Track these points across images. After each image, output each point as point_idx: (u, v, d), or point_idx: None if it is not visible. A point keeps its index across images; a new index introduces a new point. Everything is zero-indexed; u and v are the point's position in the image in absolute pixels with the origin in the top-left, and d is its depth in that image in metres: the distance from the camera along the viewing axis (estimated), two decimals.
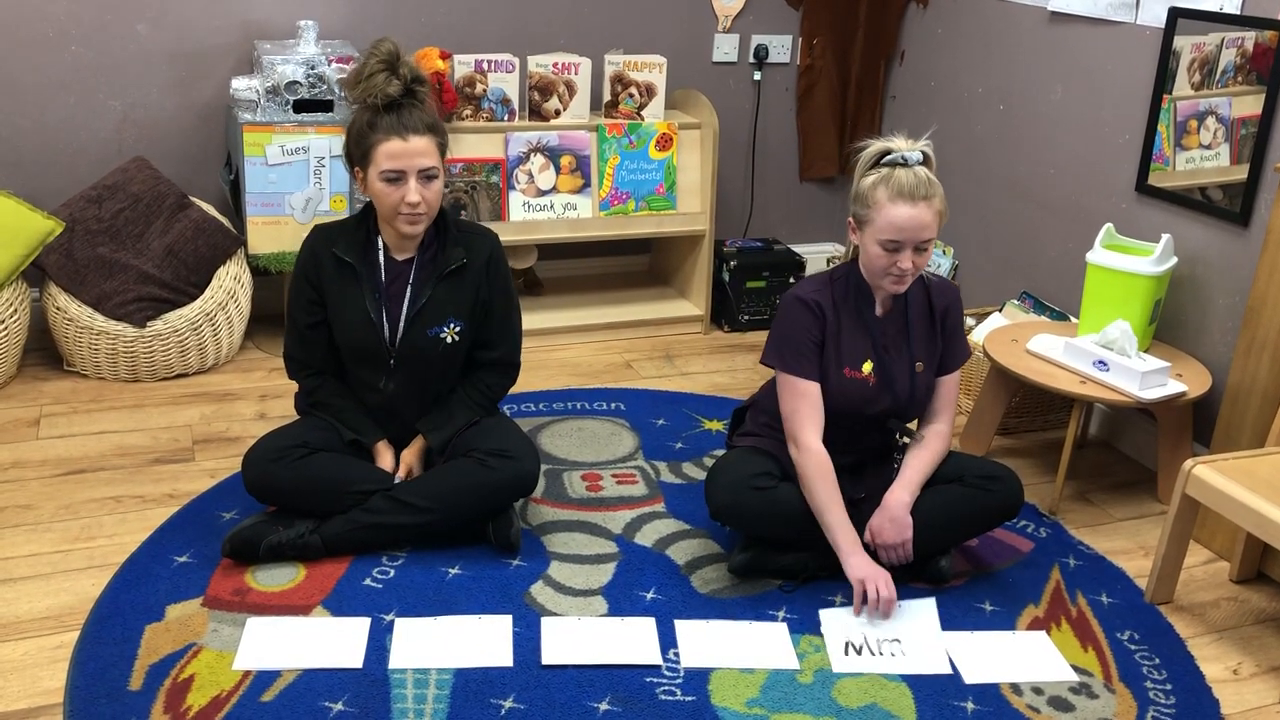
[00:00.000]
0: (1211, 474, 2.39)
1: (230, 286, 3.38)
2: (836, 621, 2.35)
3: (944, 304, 2.50)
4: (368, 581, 2.41)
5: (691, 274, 3.99)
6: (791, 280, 3.98)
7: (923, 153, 2.33)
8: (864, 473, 2.54)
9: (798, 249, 4.17)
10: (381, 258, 2.52)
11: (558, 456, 2.99)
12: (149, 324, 3.24)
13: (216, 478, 2.79)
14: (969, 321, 3.60)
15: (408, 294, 2.52)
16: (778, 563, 2.49)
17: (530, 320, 3.74)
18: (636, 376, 3.56)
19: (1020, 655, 2.30)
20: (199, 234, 3.35)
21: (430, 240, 2.53)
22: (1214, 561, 2.71)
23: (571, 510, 2.74)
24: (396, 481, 2.52)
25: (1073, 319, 3.32)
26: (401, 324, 2.52)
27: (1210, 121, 2.99)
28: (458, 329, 2.54)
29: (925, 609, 2.40)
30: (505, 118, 3.61)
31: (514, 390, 2.82)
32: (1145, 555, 2.72)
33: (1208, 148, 3.00)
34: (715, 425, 3.22)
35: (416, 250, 2.53)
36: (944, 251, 3.91)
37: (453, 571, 2.46)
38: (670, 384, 3.52)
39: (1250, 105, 2.87)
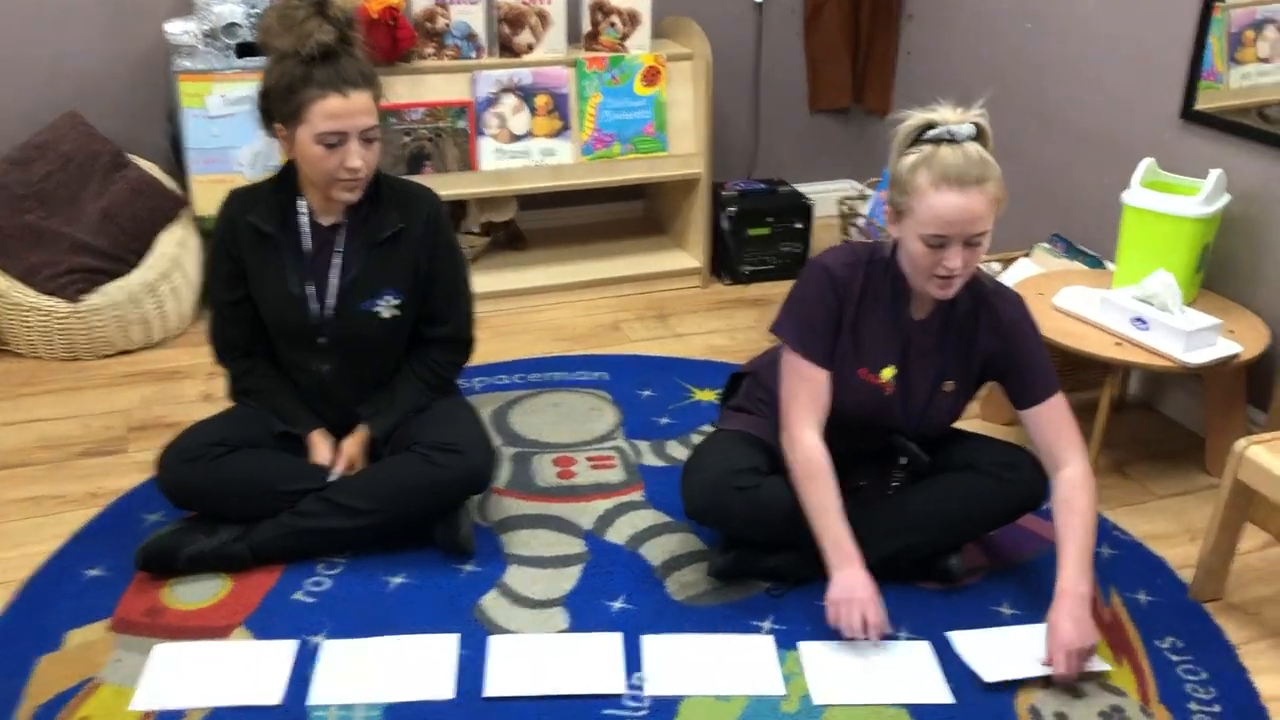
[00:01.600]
0: (1268, 456, 2.04)
1: (174, 253, 3.08)
2: (816, 657, 2.03)
3: (1000, 324, 2.06)
4: (299, 595, 2.13)
5: (688, 222, 3.64)
6: (798, 226, 3.61)
7: (975, 125, 1.91)
8: (862, 462, 2.22)
9: (808, 189, 3.80)
10: (305, 223, 2.21)
11: (528, 437, 2.69)
12: (84, 297, 2.96)
13: (148, 472, 2.51)
14: (994, 267, 3.23)
15: (337, 264, 2.21)
16: (765, 564, 2.19)
17: (511, 279, 3.45)
18: (625, 340, 3.24)
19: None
20: (136, 196, 3.05)
21: (360, 202, 2.21)
22: (1271, 546, 2.37)
23: (538, 502, 2.44)
24: (334, 475, 2.24)
25: (1109, 266, 2.94)
26: (331, 298, 2.22)
27: (1270, 31, 2.61)
28: (396, 302, 2.24)
29: (920, 653, 2.04)
30: (472, 55, 3.25)
31: (487, 359, 2.53)
32: (1191, 540, 2.38)
33: (1266, 61, 2.60)
34: (708, 395, 2.90)
35: (345, 214, 2.22)
36: None
37: (396, 581, 2.18)
38: (662, 347, 3.19)
39: None
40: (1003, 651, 2.01)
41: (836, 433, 2.10)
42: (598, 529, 2.35)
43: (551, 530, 2.35)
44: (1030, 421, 2.10)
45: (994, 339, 2.08)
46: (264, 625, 2.05)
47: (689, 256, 3.64)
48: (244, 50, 3.04)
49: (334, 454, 2.29)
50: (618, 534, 2.34)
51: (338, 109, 2.04)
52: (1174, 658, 2.05)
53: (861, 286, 2.05)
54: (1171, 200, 2.51)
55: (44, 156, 3.02)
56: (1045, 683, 1.97)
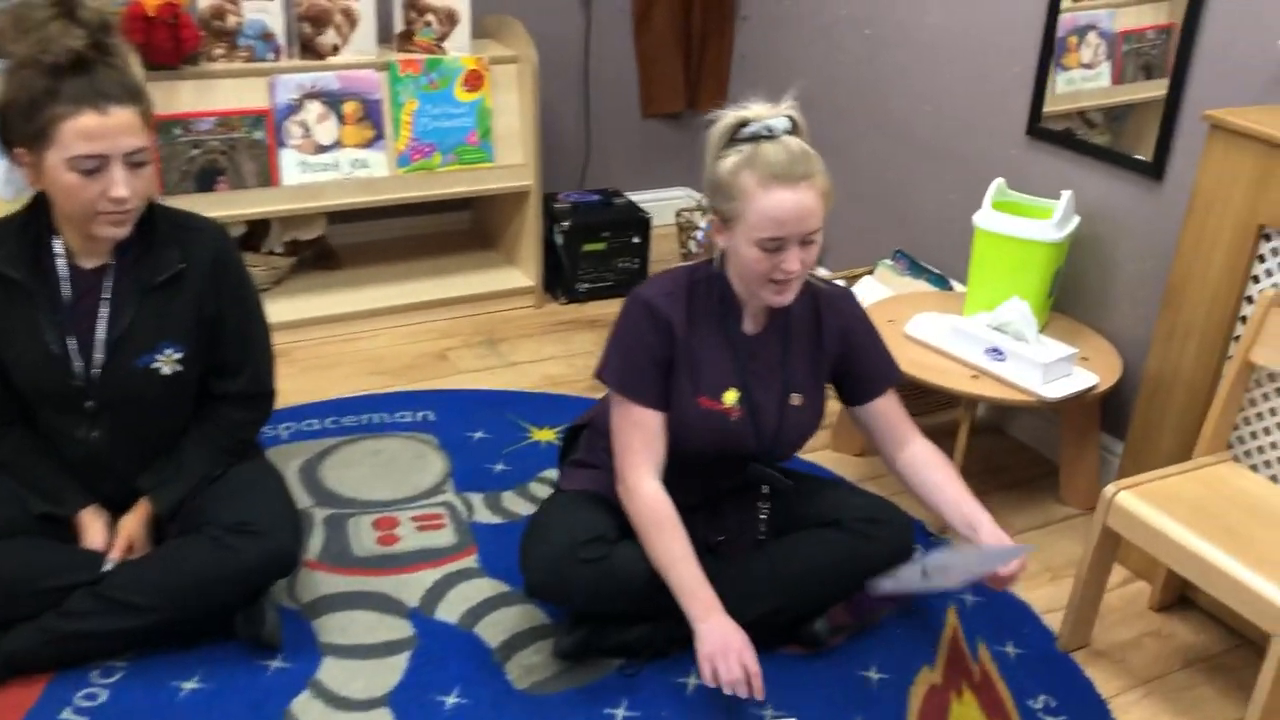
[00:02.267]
0: (1137, 502, 1.94)
1: None
2: None
3: (840, 323, 1.96)
4: (67, 714, 1.80)
5: (519, 236, 3.39)
6: (635, 240, 3.40)
7: (789, 119, 1.77)
8: (723, 510, 2.03)
9: (643, 198, 3.61)
10: (63, 267, 1.86)
11: (343, 495, 2.39)
12: None
13: None
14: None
15: (104, 314, 1.87)
16: (617, 639, 1.97)
17: (322, 304, 3.12)
18: (453, 371, 2.96)
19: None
20: None
21: (131, 240, 1.87)
22: (1131, 582, 2.31)
23: (356, 576, 2.16)
24: (110, 563, 1.90)
25: (956, 286, 2.85)
26: (98, 354, 1.88)
27: (1091, 37, 2.56)
28: (178, 356, 1.91)
29: None
30: (268, 57, 2.90)
31: (296, 400, 2.23)
32: (1052, 580, 2.30)
33: (1089, 66, 2.55)
34: (545, 435, 2.66)
35: (112, 254, 1.88)
36: None
37: (188, 687, 1.86)
38: (494, 379, 2.93)
39: (1133, 18, 2.45)
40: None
41: (690, 473, 1.93)
42: (426, 606, 2.09)
43: (372, 610, 2.07)
44: (868, 415, 2.02)
45: (837, 340, 1.96)
46: None
47: (521, 274, 3.39)
48: None
49: (109, 537, 1.95)
50: (449, 610, 2.08)
51: (94, 128, 1.71)
52: (1048, 718, 1.94)
53: (686, 314, 1.87)
54: (1025, 224, 2.41)
55: None
56: None
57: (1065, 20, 2.57)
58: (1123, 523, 1.97)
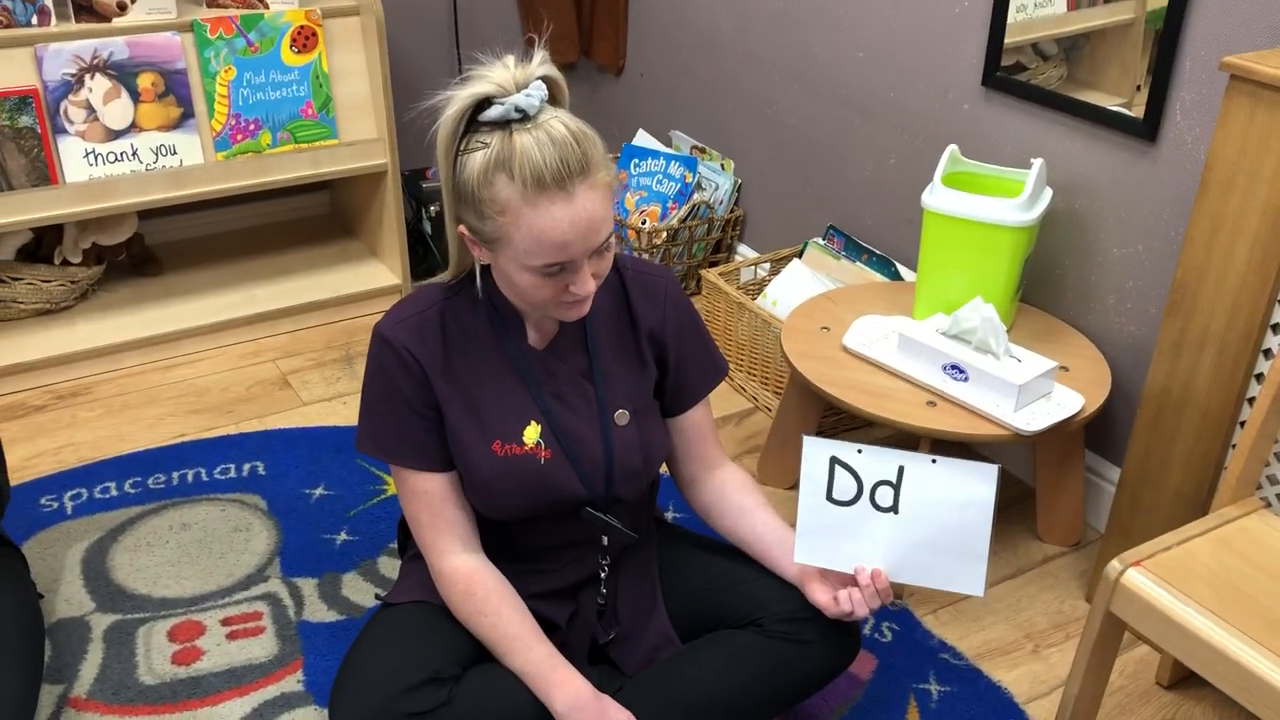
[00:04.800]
0: (1149, 586, 1.47)
1: None
2: None
3: (656, 310, 1.48)
4: None
5: (379, 225, 2.83)
6: None
7: (544, 84, 1.27)
8: (602, 590, 1.54)
9: None
10: None
11: (135, 592, 1.86)
12: None
13: None
14: (760, 271, 2.60)
15: None
16: None
17: (137, 324, 2.57)
18: (294, 403, 2.42)
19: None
20: None
21: None
22: (1133, 647, 1.86)
23: (139, 715, 1.63)
24: None
25: (905, 272, 2.35)
26: None
27: None
28: None
29: None
30: (32, 21, 2.29)
31: (88, 457, 1.75)
32: (1034, 650, 1.84)
33: None
34: None
35: None
36: (722, 167, 2.85)
37: None
38: (347, 411, 2.39)
39: None
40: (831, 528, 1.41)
41: (525, 547, 1.48)
42: None
43: None
44: (678, 428, 1.56)
45: (658, 327, 1.49)
46: None
47: (385, 270, 2.84)
48: None
49: None
50: None
51: None
52: None
53: (443, 343, 1.40)
54: (986, 204, 1.91)
55: None
56: None
57: None
58: (1130, 610, 1.50)
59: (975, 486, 1.37)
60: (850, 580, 1.43)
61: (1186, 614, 1.44)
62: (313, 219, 3.09)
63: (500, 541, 1.49)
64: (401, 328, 1.38)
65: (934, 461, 1.38)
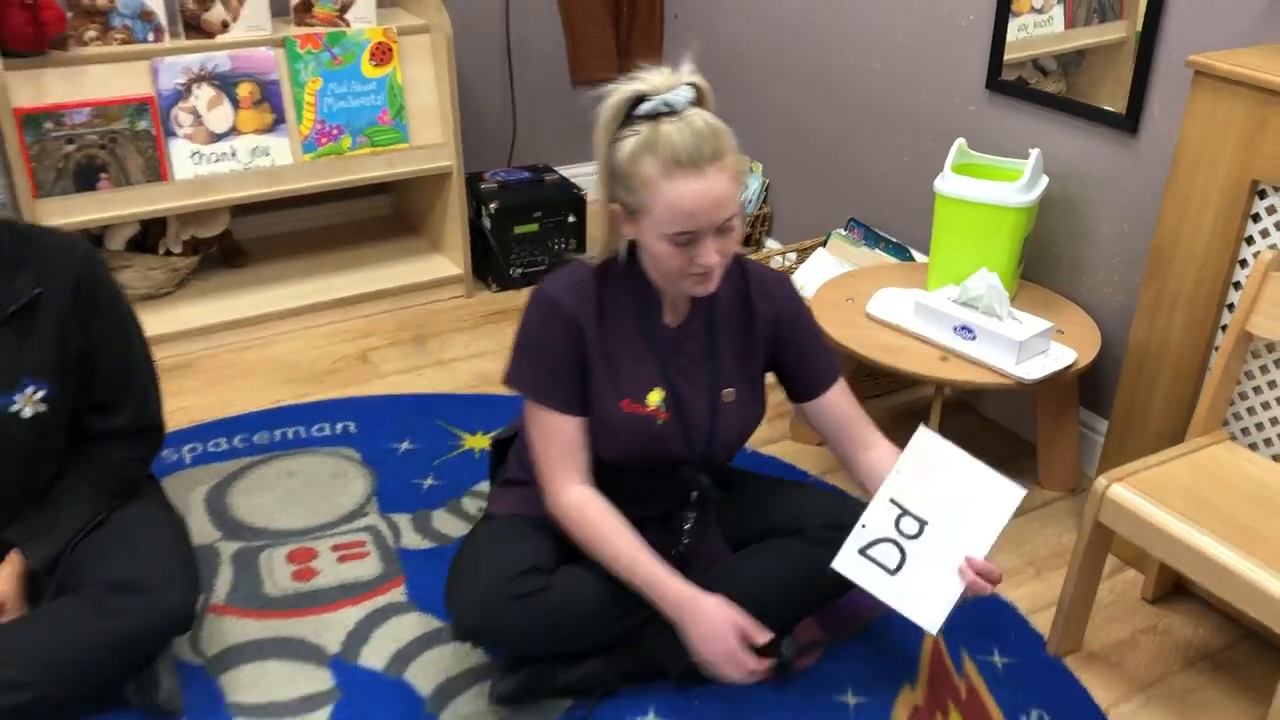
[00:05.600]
0: (1131, 496, 1.75)
1: None
2: None
3: (772, 309, 1.74)
4: None
5: (443, 221, 3.13)
6: (570, 220, 3.16)
7: (692, 88, 1.54)
8: (676, 521, 1.81)
9: (575, 173, 3.36)
10: None
11: (253, 525, 2.15)
12: None
13: None
14: (787, 260, 2.89)
15: None
16: (563, 679, 1.75)
17: (227, 307, 2.86)
18: (375, 375, 2.71)
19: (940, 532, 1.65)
20: None
21: None
22: (1121, 572, 2.13)
23: (268, 619, 1.92)
24: None
25: (918, 256, 2.64)
26: None
27: None
28: (41, 394, 1.66)
29: None
30: (149, 38, 2.61)
31: (199, 418, 2.00)
32: (1036, 575, 2.12)
33: (1040, 11, 2.35)
34: (480, 442, 2.43)
35: None
36: (751, 169, 3.16)
37: None
38: (422, 381, 2.69)
39: None
40: (918, 583, 1.63)
41: (624, 485, 1.72)
42: (348, 651, 1.86)
43: (287, 660, 1.83)
44: (818, 411, 1.80)
45: (771, 325, 1.75)
46: None
47: (448, 262, 3.14)
48: None
49: None
50: (375, 655, 1.85)
51: None
52: None
53: (597, 309, 1.65)
54: (989, 187, 2.21)
55: None
56: None
57: None
58: (1116, 518, 1.78)
59: (935, 453, 1.62)
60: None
61: (1162, 517, 1.72)
62: (378, 219, 3.39)
63: (606, 479, 1.73)
64: (565, 293, 1.63)
65: (898, 474, 1.64)
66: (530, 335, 1.68)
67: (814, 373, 1.78)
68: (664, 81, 1.53)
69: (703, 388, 1.72)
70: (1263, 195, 1.82)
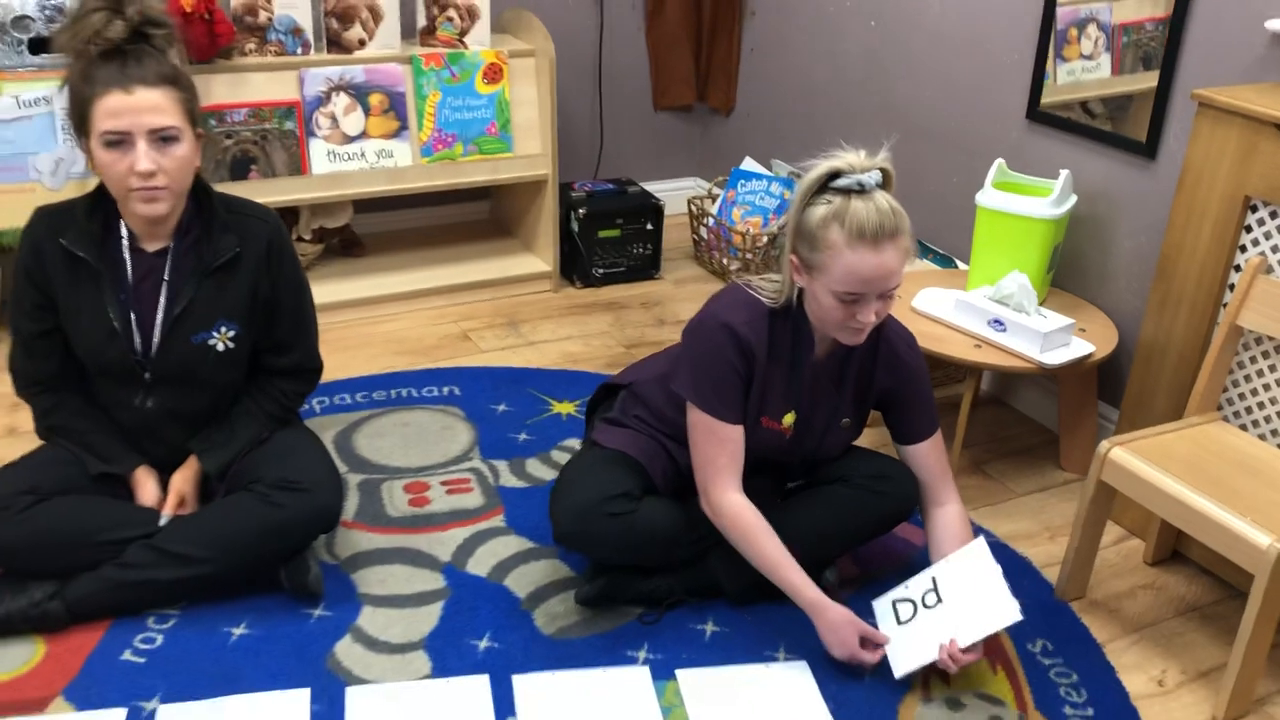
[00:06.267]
0: (1130, 458, 2.06)
1: None
2: (695, 685, 1.95)
3: (894, 361, 2.04)
4: (128, 655, 1.92)
5: (536, 224, 3.51)
6: (648, 227, 3.53)
7: (882, 171, 1.83)
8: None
9: (654, 188, 3.73)
10: (126, 249, 1.99)
11: (376, 462, 2.51)
12: None
13: None
14: None
15: (163, 294, 2.00)
16: (636, 589, 2.09)
17: (349, 289, 3.25)
18: (475, 350, 3.09)
19: (955, 603, 1.96)
20: None
21: (190, 224, 2.01)
22: (1126, 540, 2.42)
23: (390, 534, 2.28)
24: (165, 518, 2.03)
25: (960, 265, 2.96)
26: (156, 331, 2.00)
27: (1091, 29, 2.65)
28: (231, 333, 2.04)
29: (798, 673, 1.99)
30: (298, 51, 3.04)
31: (327, 377, 2.36)
32: (1051, 538, 2.41)
33: (1089, 58, 2.65)
34: (566, 408, 2.78)
35: (172, 238, 2.00)
36: None
37: (237, 632, 1.99)
38: (515, 357, 3.06)
39: (1132, 10, 2.53)
40: (910, 639, 1.96)
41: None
42: (457, 560, 2.21)
43: (407, 565, 2.19)
44: (910, 456, 2.11)
45: (890, 376, 2.06)
46: (87, 693, 1.84)
47: (538, 260, 3.51)
48: (37, 46, 2.75)
49: (161, 495, 2.08)
50: (479, 565, 2.20)
51: (118, 105, 1.83)
52: (1046, 661, 2.05)
53: (767, 343, 1.96)
54: (1023, 201, 2.53)
55: None
56: (926, 697, 1.94)
57: (1065, 13, 2.67)
58: (1116, 477, 2.08)
59: (978, 561, 1.95)
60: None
61: (1155, 475, 2.02)
62: (479, 221, 3.79)
63: None
64: (746, 327, 1.91)
65: (948, 561, 1.99)
66: (714, 358, 1.93)
67: (915, 426, 2.09)
68: (859, 162, 1.81)
69: (825, 415, 2.05)
70: (1254, 209, 2.13)
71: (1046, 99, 2.72)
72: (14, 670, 1.88)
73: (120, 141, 1.84)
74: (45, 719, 1.79)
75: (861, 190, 1.80)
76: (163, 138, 1.87)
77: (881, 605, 2.04)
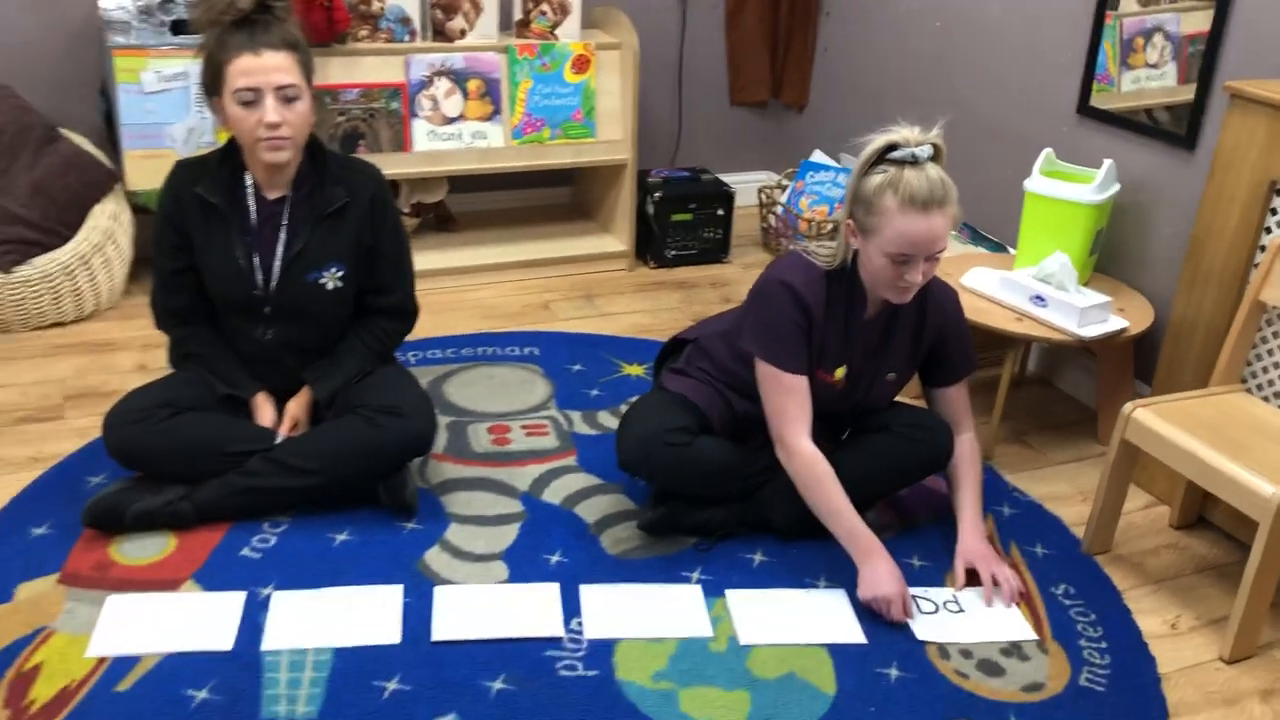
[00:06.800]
0: (1152, 418, 2.23)
1: (107, 227, 3.10)
2: (742, 603, 2.16)
3: (940, 319, 2.27)
4: (246, 551, 2.20)
5: (614, 207, 3.77)
6: (719, 213, 3.76)
7: (934, 146, 2.05)
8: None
9: (727, 178, 3.96)
10: (251, 197, 2.28)
11: (463, 407, 2.78)
12: (16, 269, 2.96)
13: (87, 437, 2.55)
14: None
15: (282, 236, 2.29)
16: (692, 519, 2.32)
17: (442, 259, 3.53)
18: (554, 318, 3.35)
19: (974, 614, 2.17)
20: (69, 169, 3.06)
21: (305, 176, 2.29)
22: (1154, 506, 2.58)
23: (475, 466, 2.54)
24: (280, 435, 2.31)
25: (1011, 250, 3.15)
26: (276, 270, 2.29)
27: (1157, 39, 2.81)
28: (339, 274, 2.32)
29: (837, 599, 2.19)
30: (405, 38, 3.33)
31: (420, 335, 2.62)
32: (1083, 501, 2.58)
33: (1154, 66, 2.81)
34: (635, 370, 3.03)
35: (290, 187, 2.29)
36: None
37: (340, 538, 2.26)
38: (590, 325, 3.31)
39: (1200, 21, 2.67)
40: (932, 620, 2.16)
41: None
42: (534, 490, 2.46)
43: (489, 492, 2.45)
44: (938, 398, 2.35)
45: (935, 332, 2.28)
46: (212, 579, 2.12)
47: (615, 240, 3.77)
48: (178, 27, 3.08)
49: (277, 417, 2.36)
50: (553, 495, 2.45)
51: (249, 66, 2.12)
52: (1066, 602, 2.23)
53: (825, 301, 2.17)
54: (1068, 187, 2.71)
55: None
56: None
57: (1132, 23, 2.83)
58: (1139, 435, 2.25)
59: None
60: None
61: (1174, 433, 2.19)
62: (560, 205, 4.06)
63: None
64: (804, 287, 2.12)
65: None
66: (777, 315, 2.14)
67: (950, 373, 2.33)
68: (913, 137, 2.02)
69: (874, 369, 2.26)
70: (1279, 193, 2.29)
71: (1110, 104, 2.88)
72: (151, 557, 2.17)
73: (252, 100, 2.13)
74: (179, 595, 2.07)
75: (914, 162, 2.01)
76: (286, 95, 2.15)
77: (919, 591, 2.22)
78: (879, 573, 2.13)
